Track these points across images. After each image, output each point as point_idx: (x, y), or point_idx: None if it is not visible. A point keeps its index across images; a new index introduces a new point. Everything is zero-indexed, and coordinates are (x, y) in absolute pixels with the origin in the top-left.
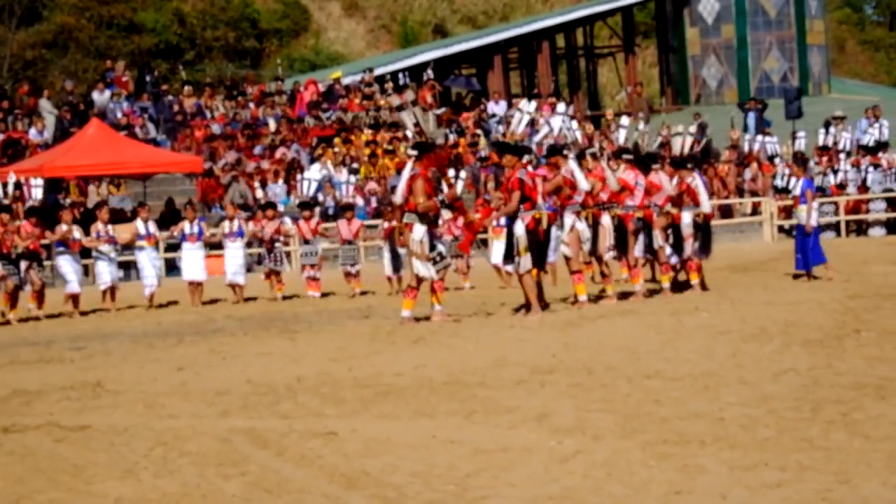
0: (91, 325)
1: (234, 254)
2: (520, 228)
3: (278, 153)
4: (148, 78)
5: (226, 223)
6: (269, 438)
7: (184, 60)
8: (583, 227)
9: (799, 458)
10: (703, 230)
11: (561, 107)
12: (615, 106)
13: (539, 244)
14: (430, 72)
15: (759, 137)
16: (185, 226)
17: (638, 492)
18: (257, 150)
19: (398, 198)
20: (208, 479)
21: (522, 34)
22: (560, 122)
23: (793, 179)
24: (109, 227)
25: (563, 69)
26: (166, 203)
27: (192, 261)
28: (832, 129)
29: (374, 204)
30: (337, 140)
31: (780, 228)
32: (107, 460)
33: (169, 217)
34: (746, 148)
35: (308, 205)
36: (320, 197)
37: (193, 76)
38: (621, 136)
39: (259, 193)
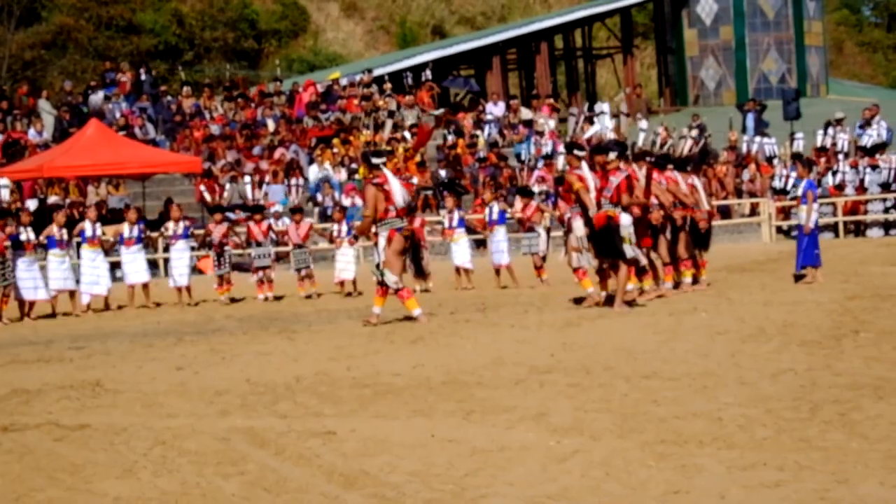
0: (90, 325)
1: (180, 255)
2: (627, 220)
3: (277, 154)
4: (143, 77)
5: (170, 225)
6: (268, 438)
7: (182, 61)
8: (626, 223)
9: (797, 457)
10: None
11: (605, 106)
12: (614, 107)
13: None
14: (428, 72)
15: (758, 138)
16: (170, 226)
17: (636, 491)
18: (256, 150)
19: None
20: (207, 479)
21: (521, 35)
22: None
23: (790, 180)
24: (98, 226)
25: (562, 70)
26: (165, 203)
27: (179, 261)
28: (830, 130)
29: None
30: (336, 141)
31: (779, 229)
32: (106, 459)
33: (168, 218)
34: (745, 149)
35: (258, 208)
36: (319, 197)
37: (192, 77)
38: (640, 138)
39: (258, 194)
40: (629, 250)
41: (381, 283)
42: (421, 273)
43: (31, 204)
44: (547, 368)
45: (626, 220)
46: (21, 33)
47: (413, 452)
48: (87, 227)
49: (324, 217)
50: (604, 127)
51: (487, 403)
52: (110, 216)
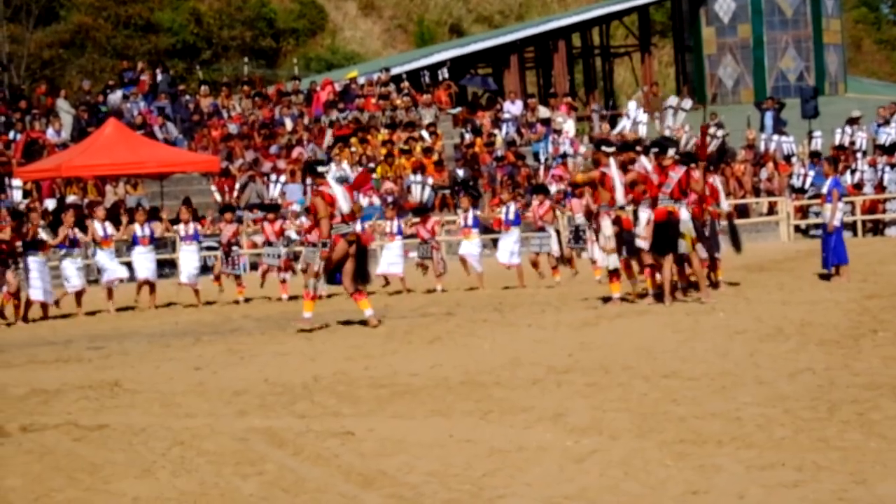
0: (109, 325)
1: (190, 257)
2: (686, 215)
3: (295, 153)
4: (161, 76)
5: (181, 226)
6: (286, 438)
7: (200, 60)
8: (685, 218)
9: (815, 457)
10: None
11: (632, 104)
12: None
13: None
14: (446, 71)
15: (776, 137)
16: (181, 228)
17: (655, 491)
18: (273, 149)
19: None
20: (226, 479)
21: (538, 33)
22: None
23: (809, 179)
24: (108, 225)
25: (580, 68)
26: (183, 202)
27: (188, 262)
28: (848, 129)
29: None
30: (353, 140)
31: (797, 228)
32: (125, 459)
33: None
34: (763, 147)
35: (272, 207)
36: None
37: (210, 76)
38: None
39: (274, 193)
40: (683, 247)
41: (361, 289)
42: (363, 278)
43: (50, 203)
44: (565, 368)
45: (685, 215)
46: (39, 32)
47: (431, 452)
48: (97, 227)
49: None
50: (632, 124)
51: (505, 403)
52: (128, 216)
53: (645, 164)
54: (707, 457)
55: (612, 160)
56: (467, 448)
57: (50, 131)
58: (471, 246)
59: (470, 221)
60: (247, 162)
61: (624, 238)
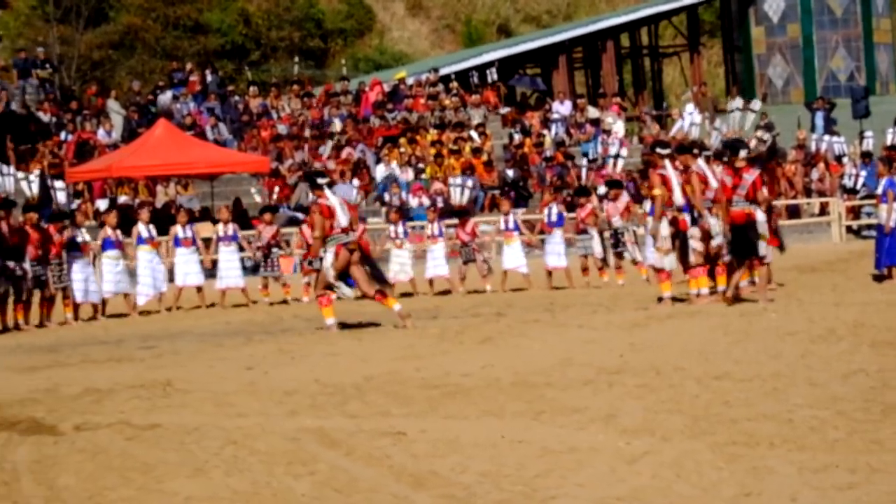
0: (160, 325)
1: (229, 258)
2: (762, 217)
3: (344, 153)
4: (210, 77)
5: (220, 226)
6: (338, 438)
7: (249, 61)
8: (714, 223)
9: (869, 459)
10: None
11: (688, 105)
12: (680, 106)
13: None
14: (494, 71)
15: (827, 137)
16: (220, 227)
17: (707, 493)
18: (323, 150)
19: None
20: (278, 478)
21: (587, 33)
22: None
23: (860, 179)
24: (151, 227)
25: (628, 69)
26: (234, 203)
27: (228, 264)
28: None
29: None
30: (402, 140)
31: (849, 229)
32: (177, 459)
33: (236, 218)
34: (813, 148)
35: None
36: (386, 197)
37: (259, 76)
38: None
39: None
40: (763, 248)
41: (337, 297)
42: (379, 280)
43: (102, 204)
44: (616, 369)
45: (761, 217)
46: (89, 34)
47: (483, 453)
48: (141, 228)
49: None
50: (689, 125)
51: (557, 404)
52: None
53: (702, 165)
54: (759, 459)
55: (667, 162)
56: (519, 449)
57: (101, 132)
58: (514, 256)
59: (511, 224)
60: (296, 162)
61: (680, 239)
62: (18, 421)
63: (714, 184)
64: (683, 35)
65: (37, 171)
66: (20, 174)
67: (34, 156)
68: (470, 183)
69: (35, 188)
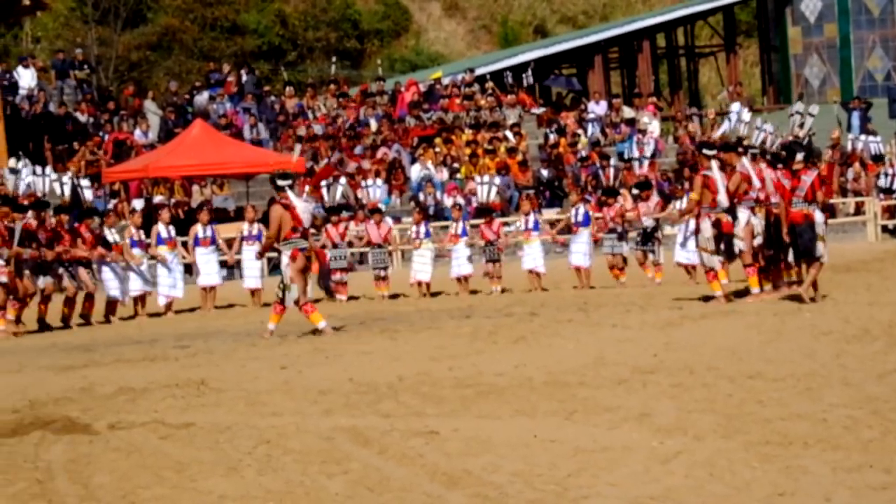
0: (194, 324)
1: (252, 257)
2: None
3: (379, 153)
4: (246, 78)
5: (244, 225)
6: (371, 437)
7: (286, 61)
8: (757, 222)
9: None
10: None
11: (735, 105)
12: (716, 105)
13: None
14: (530, 73)
15: (863, 137)
16: (244, 227)
17: (740, 492)
18: (358, 150)
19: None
20: (311, 477)
21: (623, 34)
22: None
23: None
24: (171, 228)
25: (664, 69)
26: (269, 203)
27: (252, 264)
28: None
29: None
30: (438, 140)
31: (884, 228)
32: (211, 457)
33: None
34: (850, 147)
35: (337, 209)
36: (421, 197)
37: (295, 77)
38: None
39: (360, 193)
40: (821, 248)
41: (281, 301)
42: (327, 291)
43: (138, 204)
44: (650, 368)
45: (819, 218)
46: (127, 35)
47: (515, 452)
48: (160, 229)
49: (427, 216)
50: (734, 125)
51: (590, 403)
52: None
53: (746, 165)
54: (793, 458)
55: (713, 163)
56: (552, 448)
57: (137, 132)
58: (534, 256)
59: (531, 224)
60: (332, 162)
61: (723, 240)
62: (53, 420)
63: (757, 183)
64: (720, 35)
65: (69, 173)
66: (54, 175)
67: (71, 156)
68: (498, 181)
69: (67, 190)
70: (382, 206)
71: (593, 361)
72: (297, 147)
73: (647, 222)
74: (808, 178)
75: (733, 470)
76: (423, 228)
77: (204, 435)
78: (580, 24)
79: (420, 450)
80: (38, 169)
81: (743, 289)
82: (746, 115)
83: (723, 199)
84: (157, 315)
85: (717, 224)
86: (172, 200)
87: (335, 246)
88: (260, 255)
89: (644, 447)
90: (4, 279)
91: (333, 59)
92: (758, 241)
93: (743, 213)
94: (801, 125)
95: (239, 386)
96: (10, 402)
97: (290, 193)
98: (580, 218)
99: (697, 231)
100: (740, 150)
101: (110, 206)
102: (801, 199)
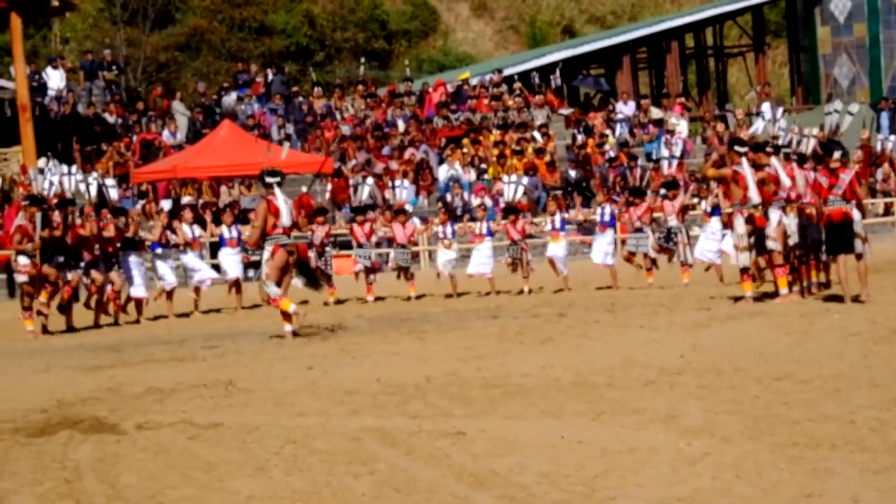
0: (223, 324)
1: None
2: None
3: (407, 154)
4: (274, 78)
5: None
6: (398, 437)
7: (314, 62)
8: (788, 222)
9: None
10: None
11: (766, 105)
12: (745, 105)
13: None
14: (558, 73)
15: (892, 137)
16: None
17: (767, 494)
18: (386, 150)
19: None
20: (338, 478)
21: (651, 34)
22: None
23: None
24: (194, 228)
25: (693, 69)
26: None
27: None
28: None
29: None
30: (465, 140)
31: None
32: (238, 458)
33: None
34: (879, 147)
35: (362, 209)
36: (448, 197)
37: (323, 77)
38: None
39: (388, 194)
40: (860, 246)
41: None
42: (313, 283)
43: (166, 204)
44: (677, 370)
45: (857, 216)
46: (155, 35)
47: (542, 453)
48: (185, 229)
49: (454, 217)
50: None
51: (617, 404)
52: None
53: (776, 164)
54: (820, 460)
55: (744, 160)
56: (579, 449)
57: (166, 133)
58: (557, 248)
59: (558, 224)
60: (360, 163)
61: (756, 236)
62: (81, 420)
63: (787, 183)
64: (748, 35)
65: (95, 174)
66: (80, 176)
67: (100, 157)
68: (525, 182)
69: (93, 190)
70: (409, 207)
71: (621, 362)
72: (286, 146)
73: (672, 222)
74: (847, 176)
75: (760, 472)
76: (448, 229)
77: (232, 435)
78: (608, 25)
79: (447, 450)
80: (65, 168)
81: (772, 291)
82: (779, 116)
83: (753, 195)
84: (185, 315)
85: (750, 220)
86: (200, 201)
87: (360, 245)
88: (245, 250)
89: (671, 448)
90: (25, 278)
91: (361, 59)
92: (792, 240)
93: (774, 214)
94: (839, 125)
95: (267, 386)
96: (38, 401)
97: (276, 191)
98: (606, 218)
99: (731, 228)
100: (769, 149)
101: (138, 206)
102: (839, 198)
